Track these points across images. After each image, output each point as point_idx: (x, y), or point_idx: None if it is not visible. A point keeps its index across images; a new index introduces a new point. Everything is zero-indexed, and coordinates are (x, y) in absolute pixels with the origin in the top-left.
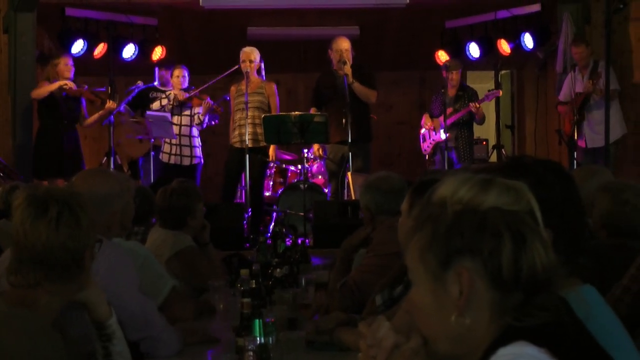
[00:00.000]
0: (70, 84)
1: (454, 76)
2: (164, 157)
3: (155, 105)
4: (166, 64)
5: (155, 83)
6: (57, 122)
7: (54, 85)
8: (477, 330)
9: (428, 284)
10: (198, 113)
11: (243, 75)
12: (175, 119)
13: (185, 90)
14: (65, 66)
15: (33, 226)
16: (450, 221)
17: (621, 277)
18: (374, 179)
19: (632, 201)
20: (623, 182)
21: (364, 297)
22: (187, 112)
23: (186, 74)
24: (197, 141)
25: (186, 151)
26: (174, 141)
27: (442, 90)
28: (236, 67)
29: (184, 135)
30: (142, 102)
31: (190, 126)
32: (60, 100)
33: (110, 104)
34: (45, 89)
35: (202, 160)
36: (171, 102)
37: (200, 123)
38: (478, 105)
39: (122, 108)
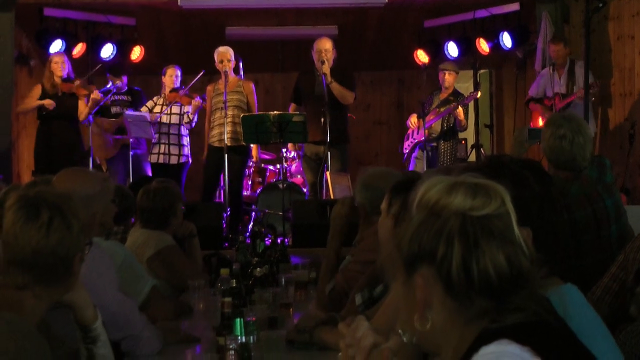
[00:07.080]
0: (50, 104)
1: (449, 78)
2: (152, 158)
3: (145, 108)
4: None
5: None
6: (52, 120)
7: (36, 103)
8: (445, 333)
9: (400, 283)
10: (187, 112)
11: (220, 74)
12: (165, 118)
13: (176, 90)
14: (55, 64)
15: (23, 230)
16: (415, 227)
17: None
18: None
19: (568, 136)
20: (563, 116)
21: None
22: (177, 111)
23: (179, 73)
24: (186, 140)
25: (174, 150)
26: (163, 140)
27: (435, 92)
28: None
29: (173, 134)
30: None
31: (180, 125)
32: (56, 100)
33: (95, 95)
34: (27, 106)
35: (190, 160)
36: (161, 105)
37: (190, 122)
38: (459, 113)
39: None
